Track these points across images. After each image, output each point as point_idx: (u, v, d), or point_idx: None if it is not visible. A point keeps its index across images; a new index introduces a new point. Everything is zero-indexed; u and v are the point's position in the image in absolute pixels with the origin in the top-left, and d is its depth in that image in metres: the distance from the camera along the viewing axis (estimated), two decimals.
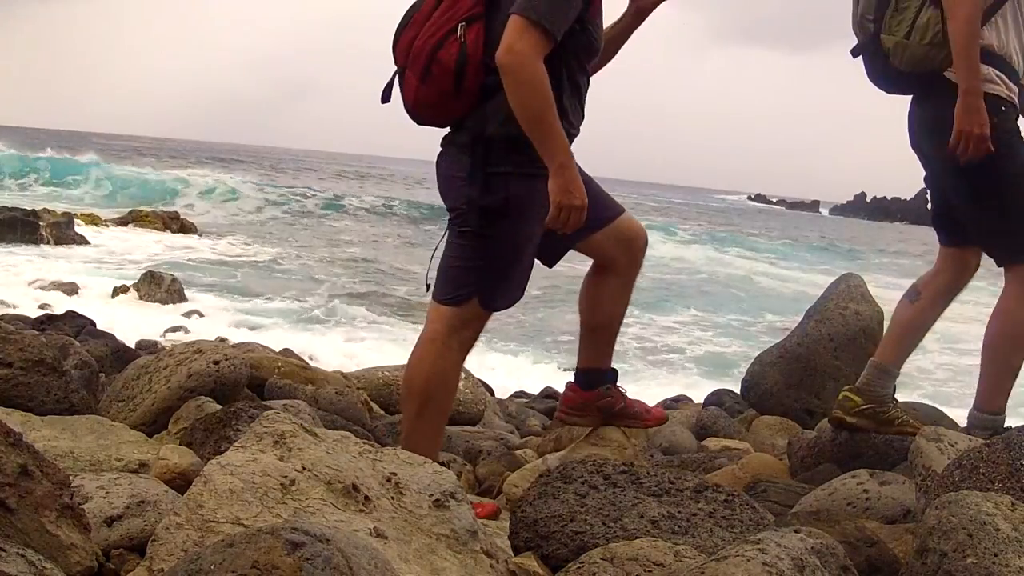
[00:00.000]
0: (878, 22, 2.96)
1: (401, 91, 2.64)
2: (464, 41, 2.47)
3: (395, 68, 2.65)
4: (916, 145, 3.07)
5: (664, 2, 2.82)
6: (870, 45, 3.01)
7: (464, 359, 2.74)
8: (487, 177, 2.54)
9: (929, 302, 3.10)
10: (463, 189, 2.58)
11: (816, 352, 4.52)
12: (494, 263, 2.63)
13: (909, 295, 3.13)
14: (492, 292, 2.66)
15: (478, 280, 2.63)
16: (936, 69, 2.86)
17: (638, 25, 2.91)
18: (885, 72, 3.00)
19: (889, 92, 3.08)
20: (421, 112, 2.62)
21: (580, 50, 2.56)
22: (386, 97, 2.69)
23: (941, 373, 10.99)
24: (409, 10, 2.63)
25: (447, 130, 2.67)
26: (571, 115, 2.58)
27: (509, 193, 2.54)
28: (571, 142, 2.55)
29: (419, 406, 2.64)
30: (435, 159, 2.70)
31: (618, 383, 3.03)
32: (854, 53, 3.10)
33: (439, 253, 2.78)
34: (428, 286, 2.76)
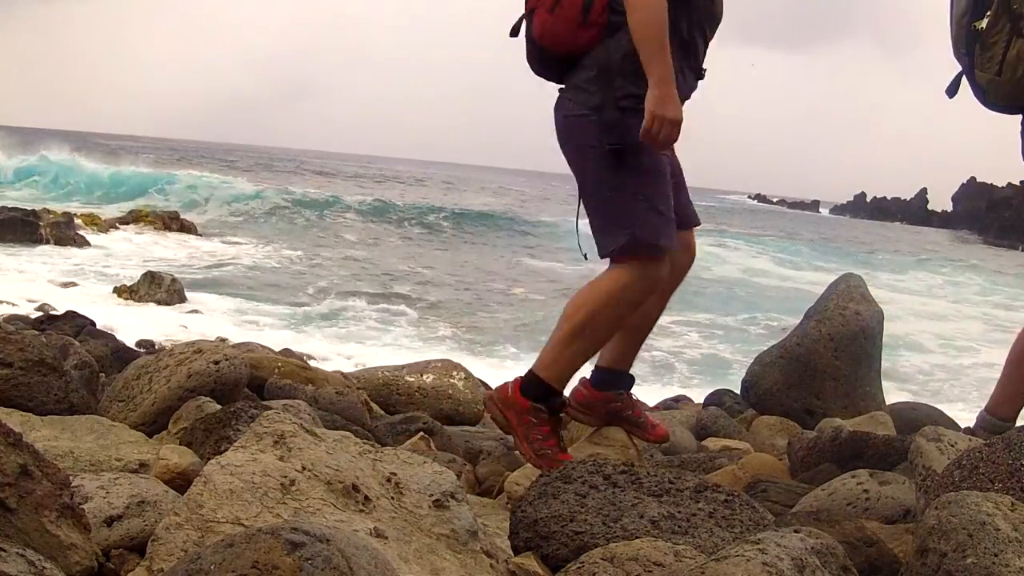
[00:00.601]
0: (969, 55, 2.95)
1: (529, 31, 2.74)
2: None
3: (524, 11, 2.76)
4: None
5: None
6: (968, 77, 3.01)
7: (632, 310, 2.76)
8: (612, 110, 2.60)
9: None
10: (590, 125, 2.65)
11: (816, 352, 4.52)
12: (638, 200, 2.65)
13: None
14: (650, 230, 2.66)
15: (631, 223, 2.65)
16: None
17: None
18: (986, 103, 3.01)
19: (1001, 112, 3.06)
20: (548, 44, 2.69)
21: (696, 10, 2.64)
22: (515, 32, 2.79)
23: (940, 373, 11.00)
24: None
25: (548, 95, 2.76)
26: (678, 75, 2.61)
27: (632, 126, 2.58)
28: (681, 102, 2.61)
29: (572, 330, 2.69)
30: (552, 107, 2.77)
31: (632, 391, 3.01)
32: (949, 93, 3.09)
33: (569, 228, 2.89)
34: (585, 256, 2.81)
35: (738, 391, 5.02)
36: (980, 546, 1.71)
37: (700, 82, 2.77)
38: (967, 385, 10.54)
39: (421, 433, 3.71)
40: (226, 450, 1.84)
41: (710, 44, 2.77)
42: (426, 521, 1.84)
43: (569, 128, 2.74)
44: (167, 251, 17.18)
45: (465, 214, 28.87)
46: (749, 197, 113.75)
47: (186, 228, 20.59)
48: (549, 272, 19.10)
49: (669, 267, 2.75)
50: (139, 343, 7.31)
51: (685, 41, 2.65)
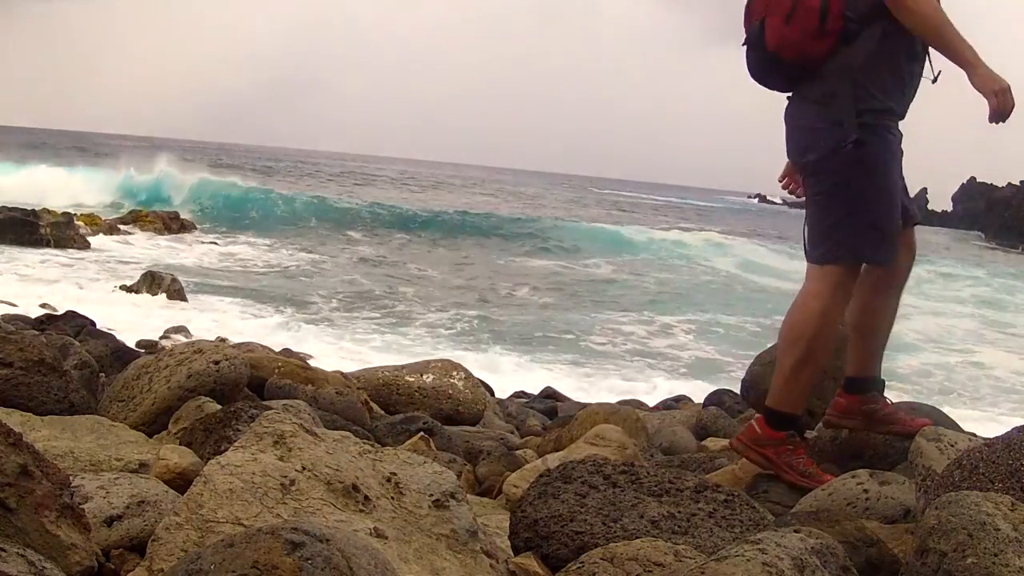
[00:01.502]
0: None
1: (759, 40, 2.76)
2: None
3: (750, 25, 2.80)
4: None
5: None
6: None
7: (842, 315, 2.83)
8: (851, 125, 2.63)
9: None
10: (827, 138, 2.68)
11: None
12: (859, 214, 2.70)
13: None
14: (865, 245, 2.72)
15: (848, 235, 2.71)
16: None
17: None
18: None
19: None
20: (783, 52, 2.71)
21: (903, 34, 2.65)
22: (747, 43, 2.83)
23: (939, 373, 11.00)
24: None
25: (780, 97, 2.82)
26: (889, 92, 2.66)
27: (865, 141, 2.62)
28: (896, 120, 2.69)
29: (801, 359, 2.76)
30: (783, 113, 2.84)
31: (884, 392, 3.05)
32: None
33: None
34: (806, 251, 2.87)
35: (738, 391, 5.01)
36: (980, 546, 1.71)
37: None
38: (966, 385, 10.55)
39: (421, 433, 3.70)
40: (226, 450, 1.84)
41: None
42: (426, 521, 1.84)
43: (803, 137, 2.79)
44: (167, 251, 17.18)
45: (467, 214, 28.88)
46: (750, 197, 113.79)
47: (186, 228, 20.59)
48: (552, 272, 19.12)
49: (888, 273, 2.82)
50: (139, 343, 7.30)
51: (901, 71, 2.69)
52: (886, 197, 2.72)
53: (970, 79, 2.56)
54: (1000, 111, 2.56)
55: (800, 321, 2.78)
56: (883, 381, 3.06)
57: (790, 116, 2.83)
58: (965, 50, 2.57)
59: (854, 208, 2.70)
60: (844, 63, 2.65)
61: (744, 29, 2.84)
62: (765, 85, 2.85)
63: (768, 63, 2.78)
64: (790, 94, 2.82)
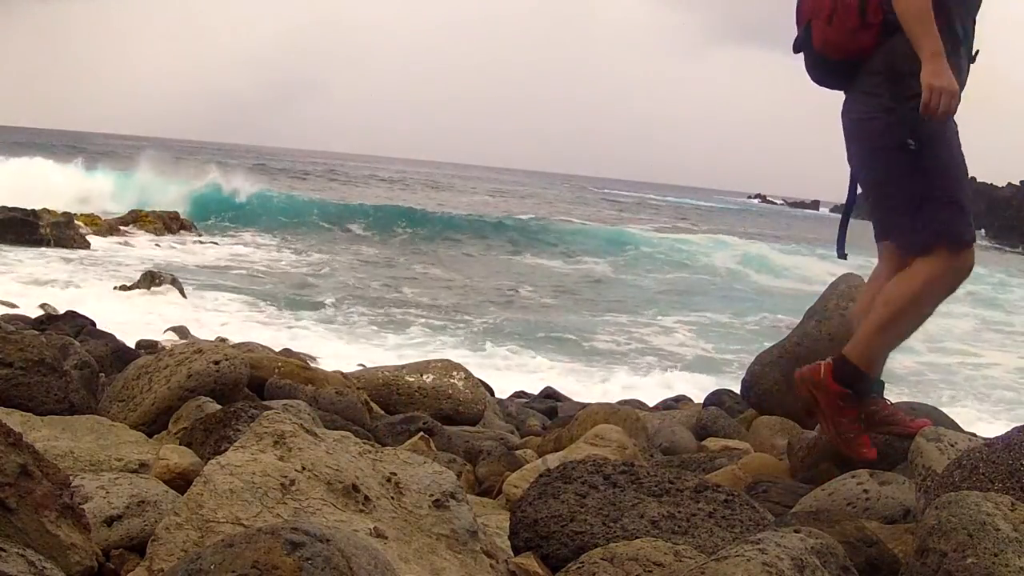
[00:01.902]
0: None
1: (808, 43, 2.85)
2: None
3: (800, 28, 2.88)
4: None
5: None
6: None
7: (941, 300, 2.83)
8: (903, 110, 2.66)
9: None
10: (882, 128, 2.71)
11: (816, 352, 4.50)
12: (938, 196, 2.70)
13: None
14: (953, 225, 2.72)
15: (933, 220, 2.71)
16: None
17: None
18: None
19: None
20: (831, 53, 2.79)
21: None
22: (796, 48, 2.91)
23: (936, 374, 11.00)
24: None
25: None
26: (953, 65, 2.66)
27: (919, 125, 2.64)
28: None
29: (888, 319, 2.78)
30: (840, 112, 2.88)
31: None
32: None
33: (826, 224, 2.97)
34: (845, 255, 2.99)
35: (738, 391, 5.01)
36: (980, 546, 1.71)
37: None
38: (966, 385, 10.55)
39: (421, 433, 3.71)
40: (226, 450, 1.84)
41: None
42: (426, 521, 1.84)
43: (860, 131, 2.83)
44: (167, 251, 17.19)
45: (468, 214, 28.88)
46: (749, 197, 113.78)
47: (186, 228, 20.58)
48: (552, 272, 19.11)
49: (974, 257, 2.82)
50: (139, 343, 7.29)
51: (955, 31, 2.70)
52: (956, 172, 2.74)
53: (922, 70, 2.59)
54: (932, 107, 2.58)
55: (901, 287, 2.78)
56: (883, 383, 3.06)
57: (846, 113, 2.87)
58: (934, 42, 2.58)
59: (929, 192, 2.71)
60: (889, 53, 2.69)
61: (796, 33, 2.91)
62: (824, 86, 2.92)
63: (819, 64, 2.85)
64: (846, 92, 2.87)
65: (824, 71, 2.88)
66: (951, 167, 2.72)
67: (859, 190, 2.98)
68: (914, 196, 2.73)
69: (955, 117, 2.69)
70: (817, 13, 2.79)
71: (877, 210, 2.88)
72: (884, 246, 2.98)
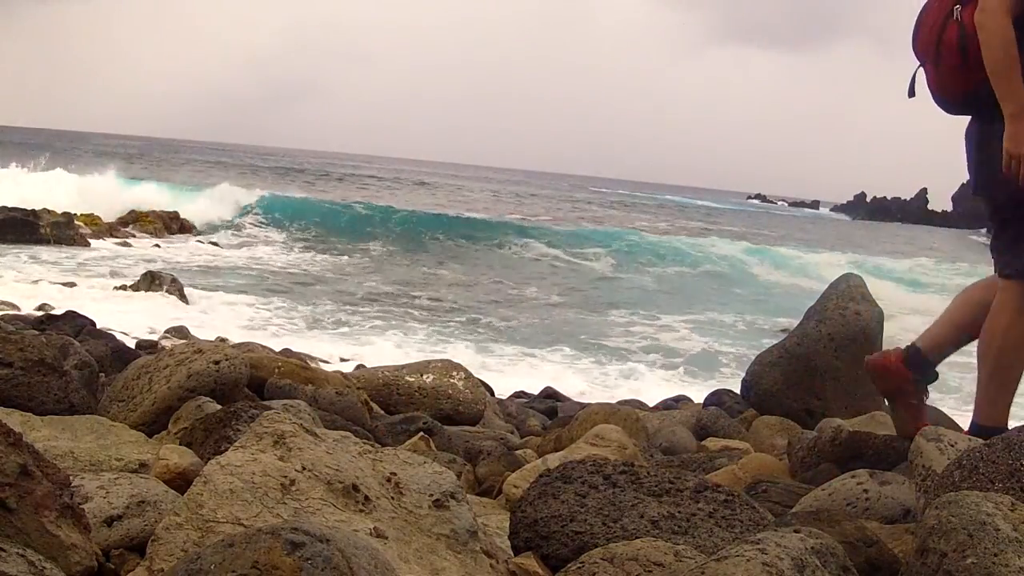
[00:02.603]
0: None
1: (928, 85, 2.90)
2: (961, 21, 2.71)
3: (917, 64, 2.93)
4: None
5: None
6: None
7: None
8: (998, 144, 2.68)
9: None
10: (989, 156, 2.74)
11: (816, 352, 4.52)
12: None
13: None
14: None
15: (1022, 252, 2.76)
16: None
17: None
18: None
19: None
20: (944, 94, 2.85)
21: None
22: (911, 92, 2.96)
23: (937, 373, 10.98)
24: (920, 12, 2.90)
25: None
26: None
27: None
28: None
29: (991, 371, 2.84)
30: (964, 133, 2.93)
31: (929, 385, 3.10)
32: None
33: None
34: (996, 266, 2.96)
35: (738, 391, 5.01)
36: (980, 546, 1.71)
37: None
38: (966, 385, 10.54)
39: (421, 433, 3.71)
40: (226, 450, 1.84)
41: None
42: (426, 521, 1.84)
43: (979, 154, 2.85)
44: (167, 251, 17.19)
45: (470, 215, 28.90)
46: (749, 197, 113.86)
47: (186, 228, 20.58)
48: (552, 272, 19.12)
49: None
50: (139, 343, 7.30)
51: None
52: None
53: (1005, 132, 2.62)
54: (1013, 172, 2.63)
55: (988, 333, 2.85)
56: (936, 373, 3.09)
57: (967, 138, 2.91)
58: (1011, 103, 2.61)
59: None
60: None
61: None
62: (952, 113, 2.94)
63: (941, 103, 2.90)
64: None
65: (948, 108, 2.91)
66: None
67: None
68: (1015, 222, 2.79)
69: None
70: (927, 57, 2.83)
71: (994, 227, 2.93)
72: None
